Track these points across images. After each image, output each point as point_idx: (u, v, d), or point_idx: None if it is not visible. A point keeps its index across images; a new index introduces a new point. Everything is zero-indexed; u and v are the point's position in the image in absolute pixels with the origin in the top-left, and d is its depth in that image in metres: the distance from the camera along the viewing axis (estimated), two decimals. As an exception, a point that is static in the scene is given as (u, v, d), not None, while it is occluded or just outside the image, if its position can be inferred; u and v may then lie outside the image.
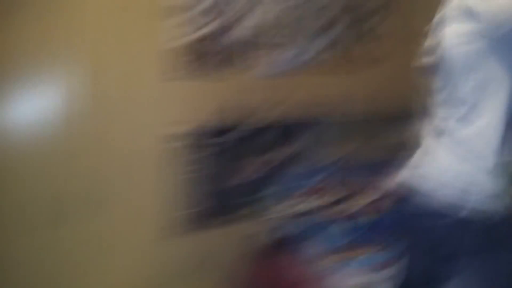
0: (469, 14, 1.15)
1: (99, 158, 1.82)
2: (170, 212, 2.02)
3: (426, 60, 1.31)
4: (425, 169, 1.25)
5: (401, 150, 2.26)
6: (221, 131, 2.15)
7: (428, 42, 1.31)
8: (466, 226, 1.14)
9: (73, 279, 1.79)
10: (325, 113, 2.39)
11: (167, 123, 1.97)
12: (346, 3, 2.41)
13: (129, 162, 1.90)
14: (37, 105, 1.72)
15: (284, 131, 2.36)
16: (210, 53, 2.05)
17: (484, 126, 1.16)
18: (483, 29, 1.13)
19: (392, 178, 1.41)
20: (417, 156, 1.30)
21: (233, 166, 2.23)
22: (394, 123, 2.66)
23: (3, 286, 1.69)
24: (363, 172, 2.31)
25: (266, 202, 2.25)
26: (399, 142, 2.59)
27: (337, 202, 2.24)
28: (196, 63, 2.02)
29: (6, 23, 1.63)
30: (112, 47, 1.83)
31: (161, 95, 1.95)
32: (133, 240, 1.93)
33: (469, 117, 1.18)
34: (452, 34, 1.20)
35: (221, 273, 2.10)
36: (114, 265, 1.88)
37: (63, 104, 1.75)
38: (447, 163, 1.20)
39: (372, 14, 2.48)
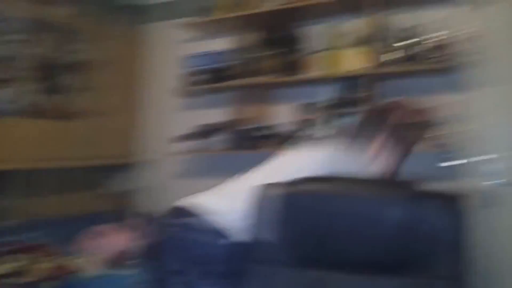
0: None
1: None
2: None
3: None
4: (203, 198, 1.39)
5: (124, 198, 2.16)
6: None
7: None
8: (223, 251, 1.28)
9: None
10: (37, 162, 2.19)
11: None
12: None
13: None
14: None
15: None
16: None
17: None
18: None
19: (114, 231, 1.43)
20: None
21: None
22: (115, 173, 2.56)
23: None
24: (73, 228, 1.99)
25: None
26: (120, 191, 2.52)
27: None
28: None
29: None
30: None
31: None
32: None
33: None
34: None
35: None
36: None
37: None
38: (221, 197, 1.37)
39: (87, 68, 2.44)
